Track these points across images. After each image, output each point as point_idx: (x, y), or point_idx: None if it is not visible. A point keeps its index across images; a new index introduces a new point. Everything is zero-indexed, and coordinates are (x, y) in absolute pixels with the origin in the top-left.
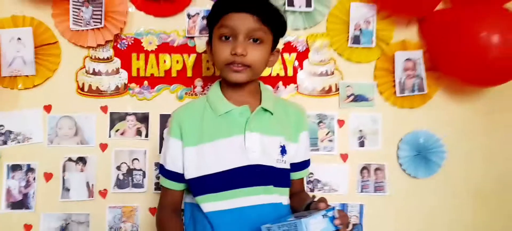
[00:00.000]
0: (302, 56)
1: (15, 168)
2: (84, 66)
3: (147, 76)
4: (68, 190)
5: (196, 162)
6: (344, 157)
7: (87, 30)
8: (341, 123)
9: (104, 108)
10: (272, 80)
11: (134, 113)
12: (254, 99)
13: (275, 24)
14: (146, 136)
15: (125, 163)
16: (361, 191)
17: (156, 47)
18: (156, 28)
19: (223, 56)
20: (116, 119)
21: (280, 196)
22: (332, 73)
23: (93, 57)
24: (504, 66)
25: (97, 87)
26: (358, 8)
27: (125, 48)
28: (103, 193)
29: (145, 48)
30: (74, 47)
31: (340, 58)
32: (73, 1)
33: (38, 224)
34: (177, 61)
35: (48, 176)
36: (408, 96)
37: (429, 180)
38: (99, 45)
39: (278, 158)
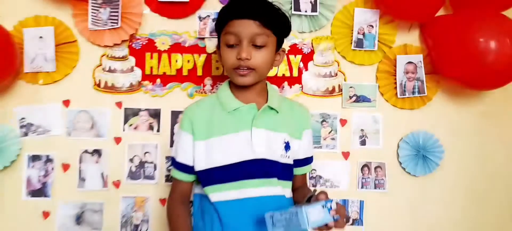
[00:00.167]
0: (307, 58)
1: (35, 158)
2: (101, 64)
3: (160, 74)
4: (84, 180)
5: (205, 155)
6: (346, 154)
7: (104, 30)
8: (343, 122)
9: (118, 104)
10: (278, 81)
11: (147, 109)
12: (261, 98)
13: (277, 26)
14: (158, 130)
15: (137, 155)
16: (362, 188)
17: (169, 47)
18: (169, 29)
19: (230, 61)
20: (129, 114)
21: (283, 189)
22: (336, 74)
23: (109, 56)
24: (501, 70)
25: (112, 84)
26: (361, 13)
27: (139, 47)
28: (117, 184)
29: (158, 48)
30: (92, 46)
31: (344, 61)
32: (92, 3)
33: (55, 212)
34: (188, 61)
35: (65, 167)
36: (409, 98)
37: (427, 177)
38: (115, 45)
39: (282, 153)
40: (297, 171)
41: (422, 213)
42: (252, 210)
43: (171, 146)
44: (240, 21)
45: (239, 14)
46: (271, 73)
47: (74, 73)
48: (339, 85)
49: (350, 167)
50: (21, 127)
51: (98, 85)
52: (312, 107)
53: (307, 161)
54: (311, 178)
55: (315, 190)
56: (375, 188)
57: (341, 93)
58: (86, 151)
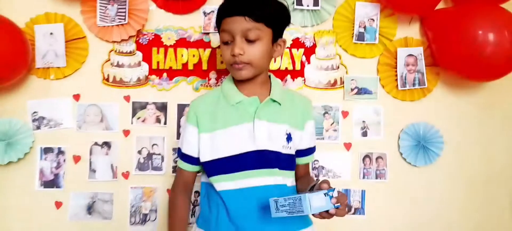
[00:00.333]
0: (310, 51)
1: (47, 150)
2: (109, 59)
3: (166, 69)
4: (94, 171)
5: (210, 147)
6: (348, 145)
7: (112, 26)
8: (345, 114)
9: (127, 98)
10: (281, 74)
11: (154, 103)
12: (264, 90)
13: (270, 18)
14: (165, 123)
15: (145, 147)
16: (363, 178)
17: (175, 42)
18: (174, 25)
19: (227, 58)
20: (137, 107)
21: (284, 178)
22: (338, 67)
23: (117, 51)
24: (499, 62)
25: (120, 78)
26: (362, 7)
27: (146, 43)
28: (126, 175)
29: (164, 43)
30: (100, 42)
31: (345, 54)
32: (100, 0)
33: (67, 202)
34: (194, 55)
35: (76, 158)
36: (409, 90)
37: (427, 168)
38: (123, 40)
39: (284, 144)
40: (300, 160)
41: (422, 202)
42: (255, 198)
43: (178, 138)
44: (231, 19)
45: (230, 11)
46: (275, 66)
47: (84, 68)
48: (341, 78)
49: (352, 157)
50: (34, 120)
51: (107, 79)
52: (315, 100)
53: (310, 151)
54: (313, 168)
55: (317, 179)
56: (376, 178)
57: (343, 86)
58: (96, 143)
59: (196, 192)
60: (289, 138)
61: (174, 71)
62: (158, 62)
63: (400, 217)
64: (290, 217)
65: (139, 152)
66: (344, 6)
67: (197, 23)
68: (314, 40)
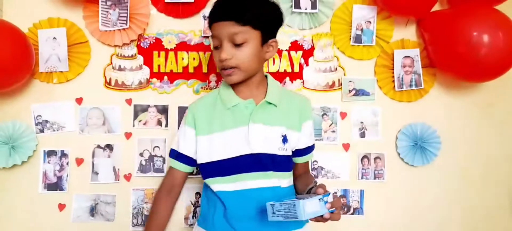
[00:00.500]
0: (308, 54)
1: (50, 153)
2: (111, 63)
3: (167, 72)
4: (97, 173)
5: (207, 149)
6: (346, 146)
7: (114, 30)
8: (343, 115)
9: (128, 101)
10: (280, 76)
11: (155, 106)
12: (260, 92)
13: (257, 20)
14: (166, 125)
15: (147, 150)
16: (362, 178)
17: (175, 45)
18: (175, 29)
19: (217, 63)
20: (139, 110)
21: (279, 180)
22: (336, 69)
23: (119, 55)
24: (494, 62)
25: (122, 82)
26: (359, 10)
27: (147, 46)
28: (128, 177)
29: (165, 47)
30: (102, 46)
31: (343, 56)
32: (102, 5)
33: (70, 204)
34: (194, 59)
35: (79, 161)
36: (406, 91)
37: (425, 167)
38: (124, 44)
39: (280, 146)
40: (299, 160)
41: (420, 202)
42: (250, 200)
43: None
44: (218, 24)
45: (216, 17)
46: (274, 69)
47: (86, 72)
48: (339, 80)
49: (350, 158)
50: (37, 124)
51: (109, 83)
52: (313, 102)
53: (308, 150)
54: (313, 169)
55: (315, 182)
56: (374, 178)
57: (341, 88)
58: (98, 146)
59: (197, 193)
60: (285, 139)
61: (175, 75)
62: (159, 66)
63: (398, 216)
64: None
65: (141, 154)
66: (342, 9)
67: (197, 26)
68: (312, 43)
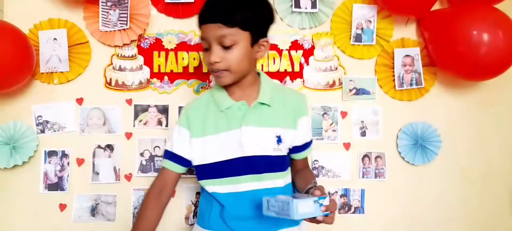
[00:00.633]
0: (308, 53)
1: (51, 153)
2: (112, 63)
3: (167, 72)
4: (97, 173)
5: (201, 152)
6: (347, 145)
7: (114, 31)
8: (344, 114)
9: (129, 101)
10: (280, 75)
11: (156, 106)
12: (253, 92)
13: (246, 22)
14: (166, 125)
15: (147, 150)
16: (363, 177)
17: (175, 46)
18: (175, 29)
19: (207, 65)
20: (139, 110)
21: (273, 181)
22: (336, 68)
23: (119, 55)
24: (494, 61)
25: (123, 82)
26: (360, 9)
27: (147, 47)
28: (128, 177)
29: (165, 47)
30: (102, 46)
31: (343, 55)
32: (102, 5)
33: (71, 204)
34: (194, 59)
35: (80, 161)
36: (407, 90)
37: (425, 166)
38: (124, 44)
39: (274, 147)
40: (297, 156)
41: (421, 201)
42: (245, 201)
43: None
44: (206, 26)
45: (204, 19)
46: (274, 68)
47: (87, 73)
48: (339, 79)
49: (351, 157)
50: (38, 124)
51: (109, 83)
52: (314, 101)
53: (306, 146)
54: (313, 168)
55: (315, 182)
56: (375, 177)
57: (341, 87)
58: (99, 146)
59: (197, 193)
60: (279, 140)
61: (175, 75)
62: (159, 66)
63: (399, 215)
64: (279, 217)
65: (141, 154)
66: (342, 8)
67: (197, 27)
68: (313, 42)
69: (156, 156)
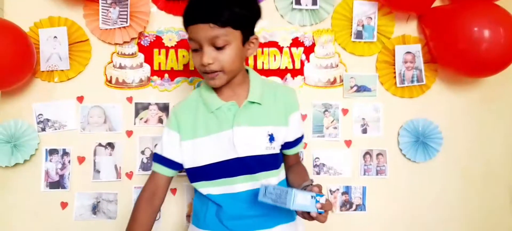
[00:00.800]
0: (309, 50)
1: (52, 152)
2: (112, 61)
3: (168, 69)
4: (98, 171)
5: (192, 154)
6: (348, 143)
7: (114, 28)
8: (345, 111)
9: (129, 99)
10: (281, 73)
11: (156, 103)
12: (242, 91)
13: (237, 20)
14: None
15: (148, 148)
16: (364, 174)
17: (176, 43)
18: (175, 26)
19: (197, 66)
20: (140, 108)
21: (267, 179)
22: (337, 66)
23: (119, 53)
24: (495, 57)
25: (123, 80)
26: (360, 6)
27: (148, 44)
28: (129, 175)
29: (165, 44)
30: (103, 44)
31: (344, 52)
32: (102, 3)
33: (72, 202)
34: None
35: (81, 159)
36: (408, 87)
37: (427, 163)
38: (125, 42)
39: (267, 146)
40: (289, 152)
41: (422, 198)
42: (240, 201)
43: None
44: (196, 27)
45: (193, 19)
46: (275, 66)
47: (87, 71)
48: (340, 76)
49: (352, 154)
50: (39, 122)
51: (110, 81)
52: (315, 98)
53: (298, 141)
54: (315, 166)
55: (312, 180)
56: (377, 174)
57: (342, 84)
58: (100, 144)
59: None
60: (272, 138)
61: (176, 72)
62: (159, 63)
63: (400, 212)
64: (273, 213)
65: (142, 152)
66: (342, 5)
67: (183, 27)
68: (313, 39)
69: None
